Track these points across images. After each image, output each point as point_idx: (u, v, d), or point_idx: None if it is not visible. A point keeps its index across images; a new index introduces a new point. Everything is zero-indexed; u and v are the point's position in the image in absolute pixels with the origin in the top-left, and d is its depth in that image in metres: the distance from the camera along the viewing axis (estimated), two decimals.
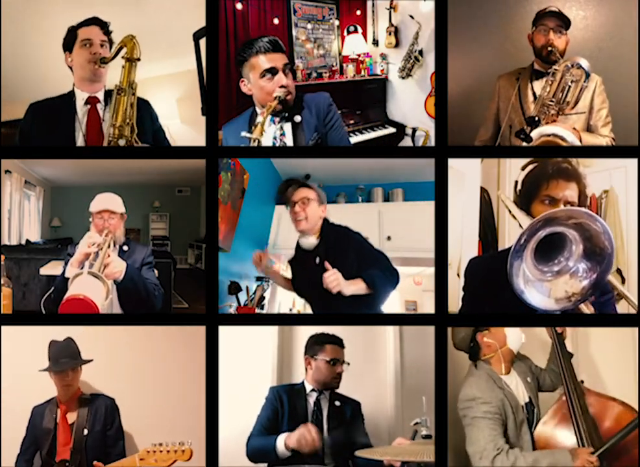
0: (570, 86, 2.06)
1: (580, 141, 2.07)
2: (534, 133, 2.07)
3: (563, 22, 2.14)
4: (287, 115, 2.04)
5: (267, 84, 1.96)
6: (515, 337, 1.94)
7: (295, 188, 2.17)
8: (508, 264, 1.42)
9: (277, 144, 2.06)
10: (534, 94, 2.21)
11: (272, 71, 1.95)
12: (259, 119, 1.95)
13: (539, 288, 1.47)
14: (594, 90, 2.14)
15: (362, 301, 1.99)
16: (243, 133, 1.94)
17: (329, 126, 2.04)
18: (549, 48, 2.13)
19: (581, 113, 2.14)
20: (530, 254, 1.45)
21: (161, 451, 1.78)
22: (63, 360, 2.02)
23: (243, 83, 2.02)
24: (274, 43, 1.96)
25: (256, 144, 1.92)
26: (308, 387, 2.12)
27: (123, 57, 2.08)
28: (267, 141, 2.04)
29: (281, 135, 2.07)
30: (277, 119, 2.05)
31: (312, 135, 2.03)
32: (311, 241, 2.15)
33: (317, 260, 2.07)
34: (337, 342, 2.11)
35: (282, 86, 1.96)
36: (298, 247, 2.23)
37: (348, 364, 2.11)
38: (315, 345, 2.12)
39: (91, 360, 2.08)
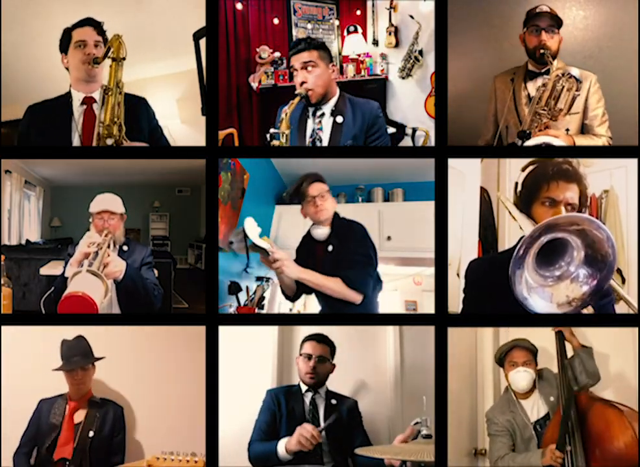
0: (561, 94, 2.06)
1: (574, 145, 2.07)
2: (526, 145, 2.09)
3: (555, 21, 2.12)
4: (333, 111, 2.13)
5: (296, 79, 2.09)
6: (514, 380, 2.07)
7: (309, 183, 2.21)
8: (510, 271, 1.40)
9: (314, 138, 2.16)
10: (528, 95, 2.22)
11: (295, 68, 2.08)
12: (283, 114, 2.06)
13: (541, 294, 1.46)
14: (589, 89, 2.13)
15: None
16: (271, 130, 2.07)
17: (373, 136, 2.11)
18: (541, 51, 2.12)
19: (574, 113, 2.13)
20: (532, 260, 1.43)
21: (172, 459, 1.75)
22: (75, 358, 2.04)
23: None
24: (299, 42, 2.09)
25: (284, 138, 2.05)
26: (303, 387, 2.13)
27: (109, 57, 2.08)
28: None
29: (318, 129, 2.16)
30: (318, 114, 2.15)
31: (347, 141, 2.11)
32: (324, 231, 2.20)
33: (330, 248, 2.16)
34: (317, 338, 2.13)
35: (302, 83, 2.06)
36: (308, 238, 2.27)
37: (322, 358, 2.11)
38: (301, 344, 2.17)
39: (103, 357, 2.08)
